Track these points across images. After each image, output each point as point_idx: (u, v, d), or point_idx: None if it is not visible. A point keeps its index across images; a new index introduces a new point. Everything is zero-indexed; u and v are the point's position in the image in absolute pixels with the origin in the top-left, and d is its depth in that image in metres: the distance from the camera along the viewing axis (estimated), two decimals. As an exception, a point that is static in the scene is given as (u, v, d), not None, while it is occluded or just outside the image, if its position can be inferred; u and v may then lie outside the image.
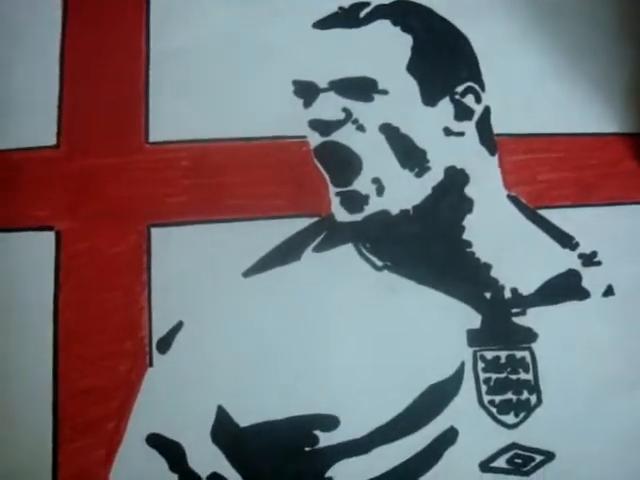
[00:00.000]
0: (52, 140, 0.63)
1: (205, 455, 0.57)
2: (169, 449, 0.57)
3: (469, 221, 0.63)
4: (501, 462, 0.58)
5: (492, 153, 0.65)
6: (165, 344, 0.59)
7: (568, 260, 0.63)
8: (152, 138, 0.63)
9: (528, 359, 0.60)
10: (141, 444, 0.57)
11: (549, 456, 0.58)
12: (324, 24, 0.67)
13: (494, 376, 0.60)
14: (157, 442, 0.57)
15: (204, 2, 0.68)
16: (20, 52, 0.65)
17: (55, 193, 0.62)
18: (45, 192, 0.62)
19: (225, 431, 0.58)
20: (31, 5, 0.66)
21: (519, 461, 0.58)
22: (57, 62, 0.64)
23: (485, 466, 0.58)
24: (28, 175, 0.62)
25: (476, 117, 0.65)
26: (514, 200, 0.64)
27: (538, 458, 0.58)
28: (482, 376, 0.60)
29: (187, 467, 0.57)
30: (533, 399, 0.60)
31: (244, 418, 0.58)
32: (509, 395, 0.59)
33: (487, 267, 0.62)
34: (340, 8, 0.67)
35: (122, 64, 0.65)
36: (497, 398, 0.59)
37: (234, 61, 0.66)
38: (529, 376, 0.60)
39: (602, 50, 0.69)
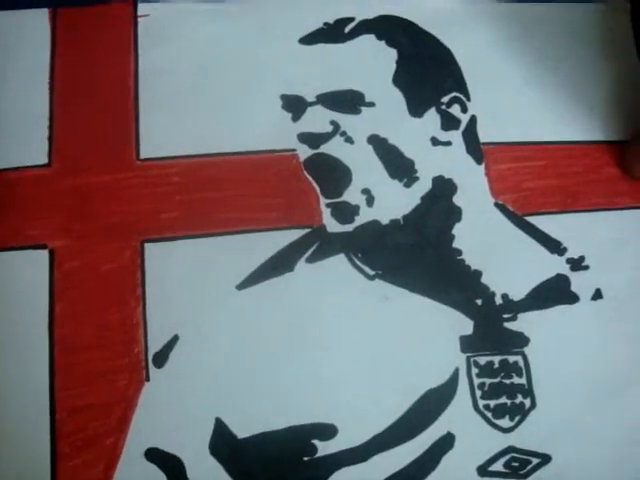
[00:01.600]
0: (43, 159, 0.63)
1: (204, 468, 0.57)
2: (168, 463, 0.57)
3: (458, 229, 0.64)
4: (498, 466, 0.59)
5: (479, 162, 0.66)
6: (161, 358, 0.59)
7: (557, 265, 0.64)
8: (143, 155, 0.64)
9: (521, 363, 0.61)
10: (140, 459, 0.57)
11: (545, 459, 0.59)
12: (310, 39, 0.68)
13: (488, 381, 0.60)
14: (156, 456, 0.57)
15: (191, 19, 0.68)
16: (8, 72, 0.65)
17: (47, 211, 0.62)
18: (37, 211, 0.62)
19: (223, 443, 0.58)
20: (19, 25, 0.66)
21: (516, 464, 0.59)
22: (47, 81, 0.65)
23: (483, 470, 0.58)
24: (20, 194, 0.62)
25: (462, 126, 0.66)
26: (501, 208, 0.65)
27: (534, 461, 0.59)
28: (476, 381, 0.60)
29: None
30: (527, 403, 0.60)
31: (242, 429, 0.58)
32: (503, 399, 0.60)
33: (477, 274, 0.63)
34: (325, 24, 0.68)
35: (111, 81, 0.65)
36: (492, 402, 0.60)
37: (222, 77, 0.66)
38: (522, 380, 0.61)
39: (584, 60, 0.70)
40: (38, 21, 0.67)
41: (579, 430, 0.60)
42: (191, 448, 0.57)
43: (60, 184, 0.63)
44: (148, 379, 0.59)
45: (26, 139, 0.63)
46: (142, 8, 0.68)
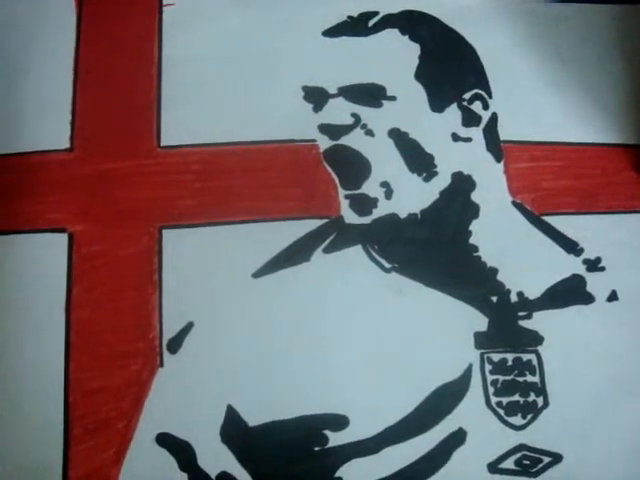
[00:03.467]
0: (66, 144, 0.64)
1: (215, 455, 0.57)
2: (179, 448, 0.57)
3: (475, 226, 0.64)
4: (509, 463, 0.58)
5: (498, 160, 0.66)
6: (176, 344, 0.59)
7: (573, 265, 0.64)
8: (164, 142, 0.64)
9: (534, 362, 0.61)
10: (151, 444, 0.57)
11: (556, 458, 0.59)
12: (333, 32, 0.68)
13: (501, 378, 0.60)
14: (167, 442, 0.57)
15: (216, 9, 0.69)
16: (34, 57, 0.66)
17: (68, 196, 0.62)
18: (58, 195, 0.62)
19: (234, 430, 0.58)
20: (45, 11, 0.67)
21: (527, 462, 0.58)
22: (71, 67, 0.66)
23: (494, 467, 0.58)
24: (41, 178, 0.63)
25: (483, 123, 0.66)
26: (519, 207, 0.65)
27: (546, 460, 0.59)
28: (489, 378, 0.60)
29: (197, 466, 0.57)
30: (540, 401, 0.60)
31: (253, 417, 0.58)
32: (516, 397, 0.60)
33: (493, 271, 0.63)
34: (349, 17, 0.68)
35: (135, 69, 0.66)
36: (504, 400, 0.60)
37: (245, 67, 0.67)
38: (536, 378, 0.60)
39: (606, 63, 0.71)
40: (64, 6, 0.67)
41: (591, 430, 0.60)
42: (202, 434, 0.58)
43: (81, 169, 0.63)
44: (162, 365, 0.59)
45: (49, 123, 0.64)
46: (168, -3, 0.69)
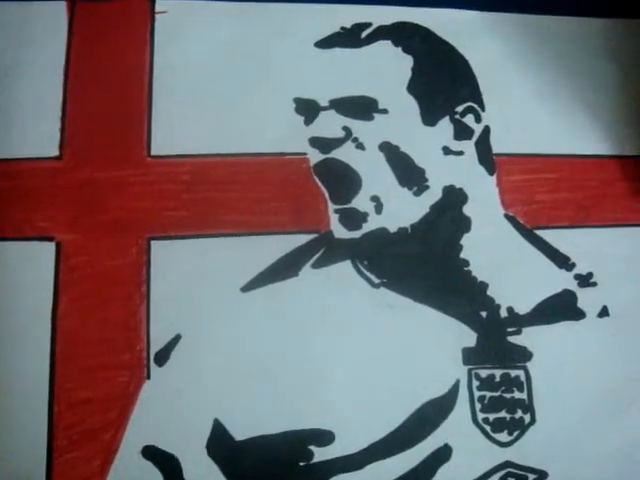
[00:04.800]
0: (55, 151, 0.63)
1: (201, 468, 0.57)
2: (165, 462, 0.57)
3: (466, 240, 0.64)
4: (495, 480, 0.59)
5: (491, 173, 0.66)
6: (163, 357, 0.59)
7: (564, 280, 0.64)
8: (154, 152, 0.64)
9: (522, 378, 0.61)
10: (137, 456, 0.57)
11: (542, 475, 0.59)
12: (326, 43, 0.68)
13: (488, 394, 0.60)
14: (153, 454, 0.57)
15: (208, 19, 0.68)
16: (24, 63, 0.65)
17: (56, 204, 0.62)
18: (46, 203, 0.62)
19: (221, 445, 0.58)
20: (37, 17, 0.67)
21: (512, 479, 0.59)
22: (61, 74, 0.65)
23: (479, 484, 0.59)
24: (30, 185, 0.62)
25: (476, 137, 0.66)
26: (511, 220, 0.65)
27: (531, 477, 0.59)
28: (477, 394, 0.60)
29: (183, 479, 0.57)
30: (527, 418, 0.60)
31: (240, 432, 0.58)
32: (503, 413, 0.60)
33: (483, 286, 0.63)
34: (342, 28, 0.68)
35: (125, 78, 0.66)
36: (491, 416, 0.60)
37: (236, 78, 0.67)
38: (523, 395, 0.60)
39: (599, 74, 0.70)
40: (55, 13, 0.67)
41: (577, 448, 0.60)
42: (188, 448, 0.57)
43: (70, 177, 0.63)
44: (149, 377, 0.59)
45: (38, 130, 0.63)
46: (160, 5, 0.68)
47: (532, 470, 0.59)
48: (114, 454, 0.57)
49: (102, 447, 0.57)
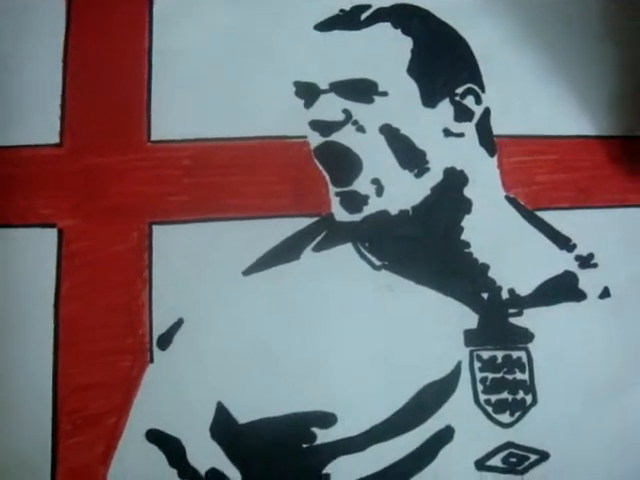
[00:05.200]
0: (55, 138, 0.63)
1: (204, 451, 0.58)
2: (169, 445, 0.57)
3: (467, 222, 0.64)
4: (496, 461, 0.59)
5: (491, 154, 0.66)
6: (165, 341, 0.60)
7: (565, 262, 0.64)
8: (154, 137, 0.64)
9: (524, 359, 0.61)
10: (141, 440, 0.57)
11: (543, 455, 0.59)
12: (325, 26, 0.67)
13: (490, 376, 0.60)
14: (157, 438, 0.58)
15: (207, 4, 0.68)
16: (24, 51, 0.65)
17: (58, 191, 0.62)
18: (48, 190, 0.62)
19: (224, 427, 0.58)
20: (35, 5, 0.66)
21: (514, 460, 0.59)
22: (60, 61, 0.65)
23: (481, 464, 0.59)
24: (31, 172, 0.62)
25: (476, 118, 0.66)
26: (512, 201, 0.65)
27: (533, 457, 0.59)
28: (478, 376, 0.60)
29: (186, 463, 0.57)
30: (528, 399, 0.60)
31: (243, 415, 0.58)
32: (505, 395, 0.60)
33: (485, 267, 0.63)
34: (341, 10, 0.67)
35: (125, 63, 0.66)
36: (493, 397, 0.60)
37: (236, 61, 0.66)
38: (525, 376, 0.61)
39: (598, 55, 0.70)
40: (53, 1, 0.66)
41: (578, 428, 0.60)
42: (192, 431, 0.58)
43: (71, 164, 0.63)
44: (152, 361, 0.59)
45: (38, 118, 0.64)
46: (159, -8, 0.68)
47: (534, 451, 0.59)
48: (118, 438, 0.57)
49: (106, 431, 0.57)
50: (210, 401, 0.59)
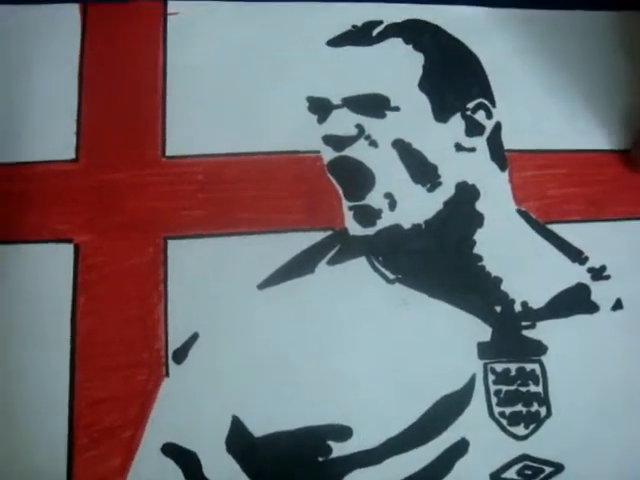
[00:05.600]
0: (71, 154, 0.63)
1: (220, 465, 0.57)
2: (185, 458, 0.57)
3: (480, 235, 0.64)
4: (511, 473, 0.59)
5: (502, 169, 0.66)
6: (181, 355, 0.60)
7: (577, 274, 0.64)
8: (169, 152, 0.64)
9: (538, 372, 0.61)
10: (157, 453, 0.57)
11: (559, 468, 0.59)
12: (338, 42, 0.68)
13: (504, 388, 0.60)
14: (173, 451, 0.57)
15: (221, 18, 0.69)
16: (39, 66, 0.65)
17: (73, 206, 0.62)
18: (63, 205, 0.62)
19: (240, 441, 0.58)
20: (51, 19, 0.67)
21: (529, 472, 0.59)
22: (76, 76, 0.65)
23: (496, 477, 0.59)
24: (46, 188, 0.62)
25: (487, 133, 0.66)
26: (524, 215, 0.65)
27: (547, 470, 0.59)
28: (492, 388, 0.60)
29: (203, 476, 0.57)
30: (543, 411, 0.60)
31: (258, 428, 0.58)
32: (519, 407, 0.60)
33: (497, 281, 0.63)
34: (353, 26, 0.68)
35: (139, 78, 0.66)
36: (507, 410, 0.60)
37: (249, 78, 0.67)
38: (539, 388, 0.61)
39: (609, 68, 0.71)
40: (68, 16, 0.67)
41: (594, 441, 0.60)
42: (208, 445, 0.58)
43: (86, 179, 0.63)
44: (168, 375, 0.59)
45: (54, 133, 0.64)
46: (172, 6, 0.68)
47: (549, 463, 0.59)
48: (134, 452, 0.57)
49: (122, 445, 0.57)
50: (225, 414, 0.59)
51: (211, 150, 0.65)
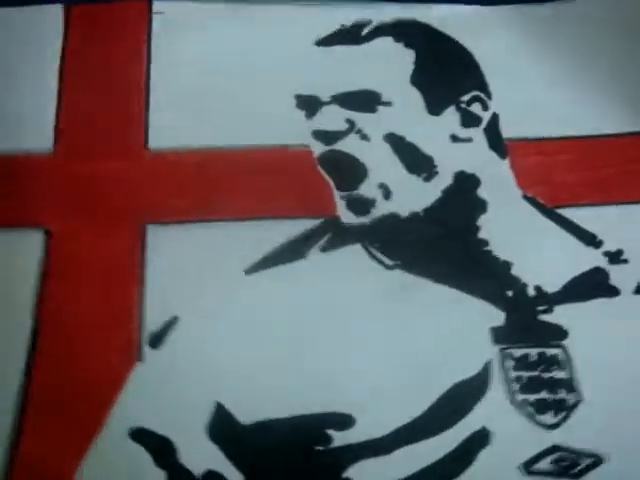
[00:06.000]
0: (49, 145, 0.62)
1: (200, 452, 0.50)
2: (156, 444, 0.50)
3: (484, 221, 0.60)
4: (545, 465, 0.51)
5: (502, 157, 0.63)
6: (158, 338, 0.54)
7: (593, 258, 0.59)
8: (151, 145, 0.62)
9: (561, 356, 0.54)
10: (122, 438, 0.50)
11: (597, 459, 0.51)
12: (327, 42, 0.67)
13: (525, 374, 0.54)
14: (142, 436, 0.50)
15: (207, 17, 0.69)
16: (21, 61, 0.65)
17: (49, 195, 0.60)
18: (38, 194, 0.60)
19: (224, 428, 0.51)
20: (33, 19, 0.68)
21: (565, 464, 0.51)
22: (57, 68, 0.65)
23: (527, 468, 0.51)
24: (24, 179, 0.60)
25: (484, 124, 0.64)
26: (531, 200, 0.61)
27: (585, 461, 0.51)
28: (512, 375, 0.54)
29: (177, 463, 0.50)
30: (572, 398, 0.53)
31: (246, 416, 0.51)
32: (544, 394, 0.53)
33: (507, 265, 0.58)
34: (342, 26, 0.68)
35: (123, 73, 0.65)
36: (531, 397, 0.53)
37: (236, 77, 0.66)
38: (564, 374, 0.54)
39: (610, 50, 0.70)
40: (52, 16, 0.68)
41: (633, 427, 0.52)
42: (185, 431, 0.51)
43: (65, 170, 0.61)
44: (140, 359, 0.53)
45: (32, 124, 0.62)
46: (158, 6, 0.69)
47: (584, 453, 0.51)
48: (95, 435, 0.50)
49: (78, 427, 0.51)
50: (206, 401, 0.52)
51: (195, 143, 0.62)
